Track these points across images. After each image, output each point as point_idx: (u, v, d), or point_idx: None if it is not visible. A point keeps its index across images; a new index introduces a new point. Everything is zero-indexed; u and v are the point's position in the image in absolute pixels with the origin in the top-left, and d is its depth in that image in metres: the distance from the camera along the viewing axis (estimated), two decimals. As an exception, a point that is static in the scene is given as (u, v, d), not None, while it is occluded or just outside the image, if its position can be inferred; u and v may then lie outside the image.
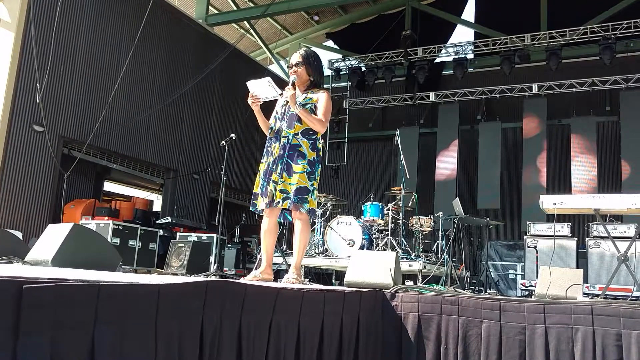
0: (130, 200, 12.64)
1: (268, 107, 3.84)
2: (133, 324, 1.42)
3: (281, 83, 3.78)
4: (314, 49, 4.69)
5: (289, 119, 3.75)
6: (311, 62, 3.87)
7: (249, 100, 3.77)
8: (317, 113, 3.77)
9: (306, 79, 3.85)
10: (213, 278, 3.17)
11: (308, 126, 3.74)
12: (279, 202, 3.69)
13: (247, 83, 3.75)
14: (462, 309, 3.12)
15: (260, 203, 3.78)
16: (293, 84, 3.76)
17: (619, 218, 7.85)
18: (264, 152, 3.84)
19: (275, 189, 3.69)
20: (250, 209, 3.92)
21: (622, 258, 4.25)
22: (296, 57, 3.88)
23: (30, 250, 3.58)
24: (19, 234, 7.51)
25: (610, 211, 4.68)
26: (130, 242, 8.31)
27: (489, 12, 13.44)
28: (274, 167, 3.71)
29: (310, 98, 3.80)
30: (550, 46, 11.53)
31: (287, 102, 3.79)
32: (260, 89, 3.73)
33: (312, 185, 3.73)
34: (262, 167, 3.82)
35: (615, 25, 11.00)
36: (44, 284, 1.20)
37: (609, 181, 11.35)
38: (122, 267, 6.61)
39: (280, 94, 3.75)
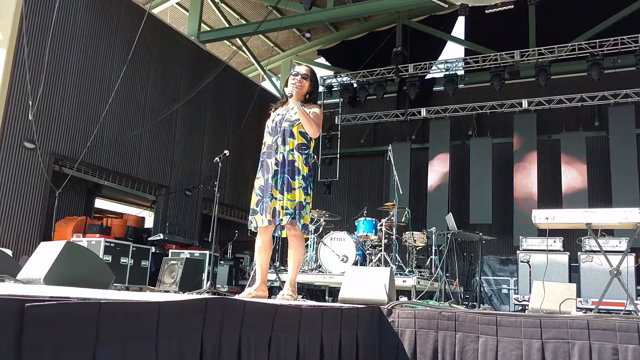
0: (121, 217, 12.54)
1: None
2: (134, 342, 1.41)
3: (273, 99, 3.84)
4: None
5: (282, 135, 3.76)
6: (313, 79, 3.95)
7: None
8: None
9: (304, 93, 3.89)
10: (206, 295, 3.15)
11: (301, 141, 3.76)
12: (281, 219, 3.68)
13: None
14: (459, 324, 3.11)
15: (259, 220, 3.76)
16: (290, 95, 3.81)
17: (610, 232, 7.90)
18: (259, 168, 3.84)
19: (276, 205, 3.69)
20: (248, 227, 3.90)
21: (615, 272, 4.27)
22: (303, 69, 3.94)
23: (22, 269, 3.54)
24: (9, 252, 7.43)
25: (601, 225, 4.71)
26: (122, 260, 8.25)
27: (478, 29, 13.58)
28: (273, 183, 3.71)
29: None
30: (539, 62, 11.68)
31: (280, 115, 3.82)
32: None
33: (306, 200, 3.73)
34: (258, 183, 3.81)
35: (602, 42, 11.17)
36: (46, 302, 1.18)
37: (599, 195, 11.44)
38: (114, 284, 6.55)
39: None
